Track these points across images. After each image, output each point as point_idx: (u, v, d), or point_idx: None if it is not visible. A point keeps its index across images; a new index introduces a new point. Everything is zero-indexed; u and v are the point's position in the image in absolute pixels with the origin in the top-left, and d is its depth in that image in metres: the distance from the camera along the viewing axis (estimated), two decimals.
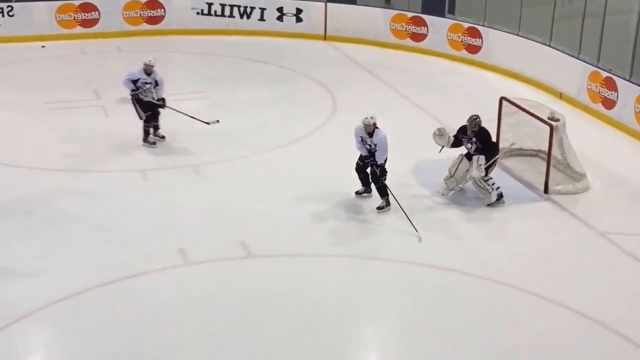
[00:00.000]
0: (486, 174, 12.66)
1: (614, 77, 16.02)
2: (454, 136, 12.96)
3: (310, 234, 11.87)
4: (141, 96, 14.25)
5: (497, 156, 12.92)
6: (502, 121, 13.95)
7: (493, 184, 12.77)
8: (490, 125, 13.66)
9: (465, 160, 12.96)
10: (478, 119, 12.73)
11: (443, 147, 13.02)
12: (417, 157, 14.05)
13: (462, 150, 13.03)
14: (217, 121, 14.67)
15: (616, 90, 15.94)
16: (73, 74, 18.48)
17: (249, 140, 14.93)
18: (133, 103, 14.44)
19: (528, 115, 13.43)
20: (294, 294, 10.44)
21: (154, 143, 14.61)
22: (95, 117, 15.94)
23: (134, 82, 14.19)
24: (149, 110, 14.44)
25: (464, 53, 19.64)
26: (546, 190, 13.07)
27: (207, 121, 14.66)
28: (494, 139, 13.20)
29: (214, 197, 12.88)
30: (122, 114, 15.81)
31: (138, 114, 14.47)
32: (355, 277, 10.92)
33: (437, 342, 9.64)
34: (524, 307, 10.35)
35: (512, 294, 10.57)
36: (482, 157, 12.65)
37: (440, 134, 13.05)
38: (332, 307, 10.20)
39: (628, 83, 15.78)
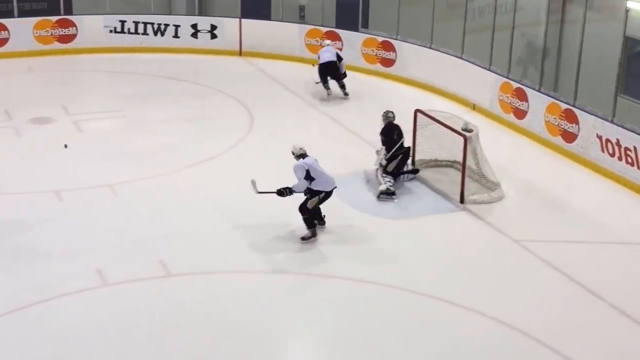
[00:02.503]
0: (385, 168, 13.38)
1: (524, 88, 16.39)
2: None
3: (228, 251, 11.81)
4: None
5: (399, 153, 13.57)
6: (417, 133, 14.15)
7: (387, 179, 13.36)
8: (406, 138, 13.86)
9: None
10: (388, 113, 13.76)
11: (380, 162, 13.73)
12: (338, 171, 14.15)
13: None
14: None
15: (527, 100, 16.30)
16: None
17: (165, 158, 14.79)
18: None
19: (442, 127, 13.64)
20: (214, 311, 10.36)
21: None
22: (7, 138, 15.61)
23: None
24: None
25: (379, 66, 19.84)
26: (462, 200, 13.27)
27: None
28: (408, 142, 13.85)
29: (131, 217, 12.72)
30: (35, 135, 15.53)
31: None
32: (275, 293, 10.88)
33: (361, 355, 9.68)
34: (443, 316, 10.46)
35: (431, 303, 10.68)
36: (383, 148, 13.58)
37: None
38: (252, 323, 10.15)
39: (538, 93, 16.16)
